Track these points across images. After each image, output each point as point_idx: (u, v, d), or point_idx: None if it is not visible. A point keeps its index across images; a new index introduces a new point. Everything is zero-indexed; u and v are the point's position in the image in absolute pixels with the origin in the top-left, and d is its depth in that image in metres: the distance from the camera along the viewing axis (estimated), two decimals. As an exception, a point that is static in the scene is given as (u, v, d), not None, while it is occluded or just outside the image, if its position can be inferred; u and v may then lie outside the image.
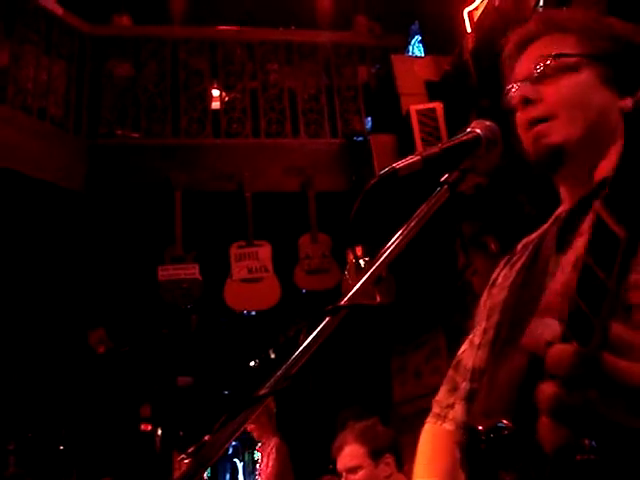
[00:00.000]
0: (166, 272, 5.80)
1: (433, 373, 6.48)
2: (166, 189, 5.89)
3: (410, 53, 6.81)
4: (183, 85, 6.44)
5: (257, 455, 6.08)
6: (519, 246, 1.34)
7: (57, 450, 9.66)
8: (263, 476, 5.74)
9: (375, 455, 3.18)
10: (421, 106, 5.42)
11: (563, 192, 1.25)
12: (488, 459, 0.97)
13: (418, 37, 6.83)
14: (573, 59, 1.19)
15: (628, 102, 1.09)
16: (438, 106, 5.37)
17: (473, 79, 4.97)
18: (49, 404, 8.98)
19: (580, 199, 1.13)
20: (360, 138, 6.28)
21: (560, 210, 1.25)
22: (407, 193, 1.24)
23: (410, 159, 1.10)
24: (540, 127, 1.18)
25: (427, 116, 5.29)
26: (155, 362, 9.29)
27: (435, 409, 1.51)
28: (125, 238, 6.20)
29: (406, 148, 5.15)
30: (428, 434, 1.51)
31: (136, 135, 6.15)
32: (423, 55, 6.55)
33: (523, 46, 1.26)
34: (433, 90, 5.71)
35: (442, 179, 1.12)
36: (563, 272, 1.04)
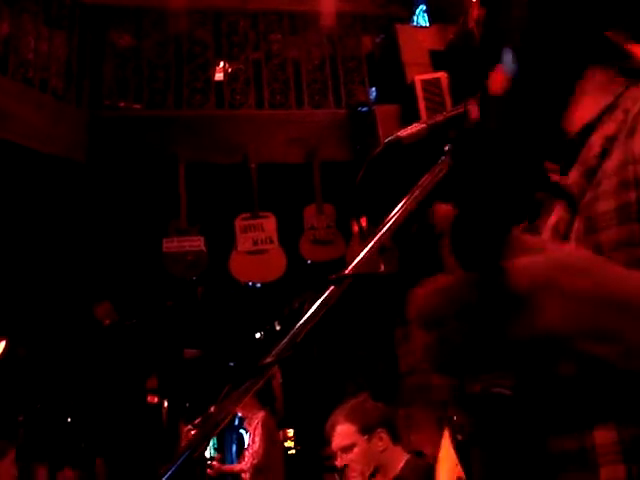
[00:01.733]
0: (171, 244, 5.81)
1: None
2: (170, 161, 5.87)
3: (415, 23, 6.75)
4: (186, 56, 6.39)
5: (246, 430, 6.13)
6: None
7: (65, 422, 9.76)
8: (250, 451, 5.76)
9: (367, 431, 3.20)
10: (426, 76, 5.38)
11: None
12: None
13: (423, 6, 6.76)
14: None
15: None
16: (443, 76, 5.33)
17: (478, 48, 4.92)
18: (57, 376, 9.05)
19: (575, 136, 1.02)
20: (364, 108, 6.25)
21: None
22: (412, 162, 1.23)
23: (415, 127, 1.09)
24: None
25: (432, 85, 5.26)
26: (161, 334, 9.35)
27: None
28: (129, 210, 6.20)
29: (411, 118, 5.10)
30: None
31: (138, 107, 6.12)
32: (428, 24, 6.49)
33: None
34: (438, 60, 5.66)
35: (446, 148, 1.11)
36: (545, 231, 0.98)
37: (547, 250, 0.73)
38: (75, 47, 6.05)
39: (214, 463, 6.11)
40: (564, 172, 0.98)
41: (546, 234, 0.96)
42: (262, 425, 5.74)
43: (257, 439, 5.72)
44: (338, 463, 3.29)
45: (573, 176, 0.95)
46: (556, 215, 0.95)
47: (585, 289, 0.68)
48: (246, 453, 5.90)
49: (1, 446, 3.80)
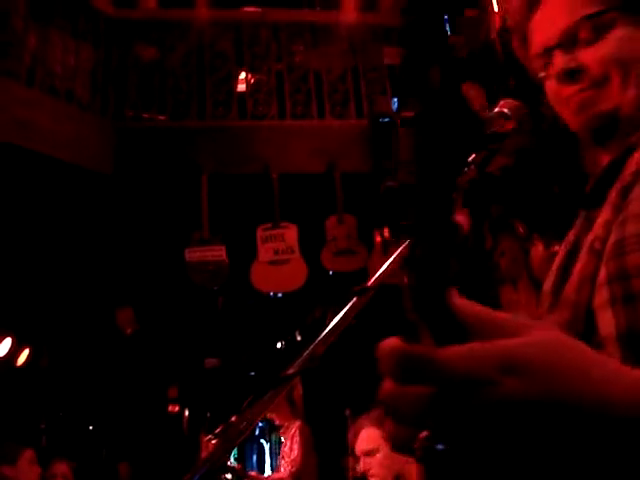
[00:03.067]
0: (193, 254, 5.83)
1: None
2: (193, 172, 5.91)
3: (437, 33, 6.74)
4: (209, 68, 6.44)
5: (282, 438, 6.11)
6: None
7: (87, 430, 9.80)
8: (287, 460, 5.75)
9: None
10: (448, 86, 5.36)
11: (596, 157, 1.14)
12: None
13: (445, 17, 6.76)
14: (608, 15, 1.05)
15: None
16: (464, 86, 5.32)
17: (500, 58, 4.92)
18: (79, 384, 9.10)
19: (609, 164, 1.03)
20: (386, 119, 6.25)
21: None
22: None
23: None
24: (585, 94, 1.06)
25: (454, 97, 5.24)
26: (182, 344, 9.37)
27: None
28: (152, 220, 6.24)
29: (432, 129, 5.10)
30: None
31: (162, 118, 6.17)
32: (450, 34, 6.49)
33: (534, 2, 1.14)
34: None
35: (470, 159, 1.11)
36: (582, 255, 0.96)
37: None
38: (101, 59, 6.12)
39: (252, 473, 6.09)
40: (604, 192, 0.97)
41: (583, 253, 0.96)
42: (300, 433, 5.74)
43: (295, 447, 5.71)
44: (360, 468, 3.29)
45: (612, 195, 0.94)
46: (594, 232, 0.95)
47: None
48: (282, 462, 5.89)
49: (11, 450, 3.82)
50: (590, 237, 0.95)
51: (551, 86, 1.12)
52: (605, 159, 1.07)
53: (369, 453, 3.24)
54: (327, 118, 6.41)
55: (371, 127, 6.29)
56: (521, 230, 5.00)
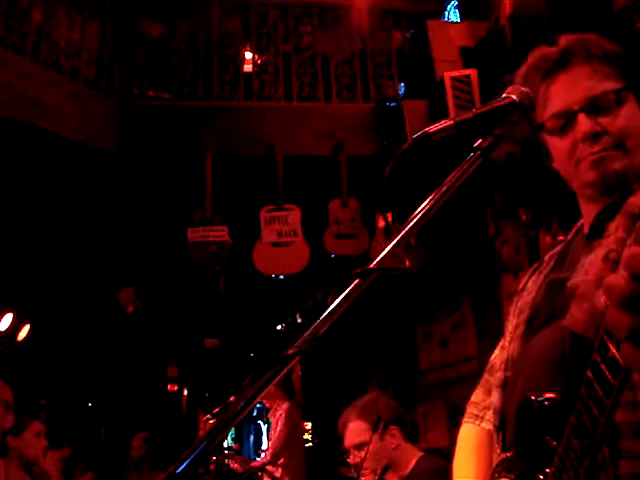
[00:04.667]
0: (196, 234, 5.83)
1: (459, 342, 6.49)
2: (197, 151, 5.90)
3: (446, 18, 6.70)
4: (216, 47, 6.41)
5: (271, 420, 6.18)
6: (546, 257, 1.47)
7: (86, 407, 9.86)
8: (272, 437, 5.83)
9: (379, 428, 3.19)
10: (455, 73, 5.33)
11: (587, 208, 1.35)
12: (538, 425, 1.06)
13: (454, 2, 6.72)
14: (625, 92, 1.30)
15: None
16: (473, 73, 5.29)
17: (509, 45, 4.89)
18: (79, 361, 9.14)
19: (611, 203, 1.23)
20: (393, 103, 6.22)
21: (580, 223, 1.38)
22: (439, 158, 1.22)
23: (443, 123, 1.08)
24: (606, 153, 1.26)
25: (461, 83, 5.22)
26: (183, 323, 9.40)
27: (472, 410, 1.60)
28: (155, 199, 6.24)
29: (439, 115, 5.08)
30: (468, 433, 1.60)
31: (168, 96, 6.15)
32: (459, 20, 6.45)
33: (552, 72, 1.35)
34: (468, 56, 5.62)
35: (475, 145, 1.10)
36: (594, 265, 1.13)
37: None
38: (107, 36, 6.09)
39: (253, 464, 6.14)
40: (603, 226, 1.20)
41: (597, 262, 1.12)
42: (286, 416, 5.79)
43: (278, 429, 5.77)
44: (351, 460, 3.30)
45: (619, 221, 1.13)
46: (606, 246, 1.12)
47: None
48: (268, 444, 5.98)
49: (19, 421, 3.83)
50: (602, 250, 1.12)
51: (563, 145, 1.32)
52: (597, 206, 1.29)
53: (358, 446, 3.24)
54: (334, 101, 6.39)
55: (378, 111, 6.27)
56: (525, 218, 4.99)
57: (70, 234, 6.45)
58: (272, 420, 6.02)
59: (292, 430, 5.85)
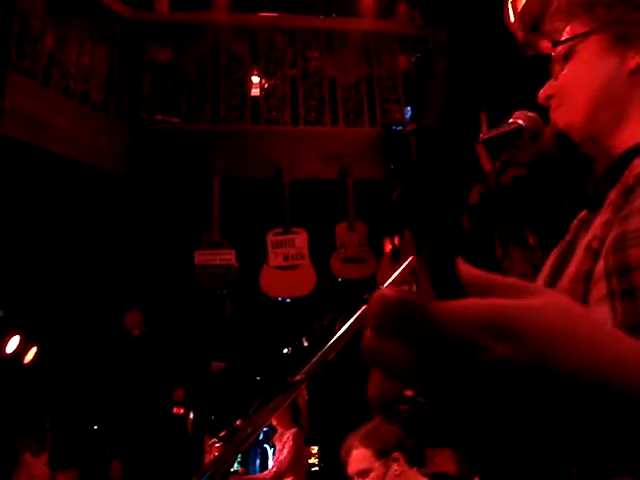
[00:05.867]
0: (203, 257, 5.84)
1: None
2: (205, 175, 5.92)
3: (451, 43, 6.73)
4: (223, 71, 6.45)
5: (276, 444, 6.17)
6: (574, 222, 1.20)
7: (91, 430, 9.81)
8: (275, 462, 5.82)
9: (383, 455, 3.17)
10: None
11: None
12: None
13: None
14: (576, 41, 1.07)
15: (638, 59, 1.01)
16: (479, 97, 5.30)
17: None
18: (85, 384, 9.11)
19: (604, 172, 1.04)
20: (399, 127, 6.25)
21: None
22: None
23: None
24: (552, 113, 1.10)
25: (467, 107, 5.23)
26: (189, 346, 9.38)
27: None
28: (163, 222, 6.25)
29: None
30: None
31: (176, 120, 6.19)
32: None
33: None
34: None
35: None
36: (578, 254, 0.97)
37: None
38: (116, 61, 6.14)
39: (256, 476, 6.15)
40: (604, 193, 0.98)
41: (579, 252, 0.96)
42: (293, 440, 5.78)
43: (285, 451, 5.76)
44: None
45: (612, 196, 0.94)
46: (592, 232, 0.95)
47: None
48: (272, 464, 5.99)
49: (34, 445, 3.97)
50: (588, 237, 0.95)
51: None
52: (601, 165, 1.07)
53: (362, 474, 3.22)
54: (340, 125, 6.42)
55: (384, 135, 6.29)
56: (532, 241, 4.98)
57: (78, 257, 6.46)
58: (278, 444, 6.00)
59: (298, 453, 5.84)
